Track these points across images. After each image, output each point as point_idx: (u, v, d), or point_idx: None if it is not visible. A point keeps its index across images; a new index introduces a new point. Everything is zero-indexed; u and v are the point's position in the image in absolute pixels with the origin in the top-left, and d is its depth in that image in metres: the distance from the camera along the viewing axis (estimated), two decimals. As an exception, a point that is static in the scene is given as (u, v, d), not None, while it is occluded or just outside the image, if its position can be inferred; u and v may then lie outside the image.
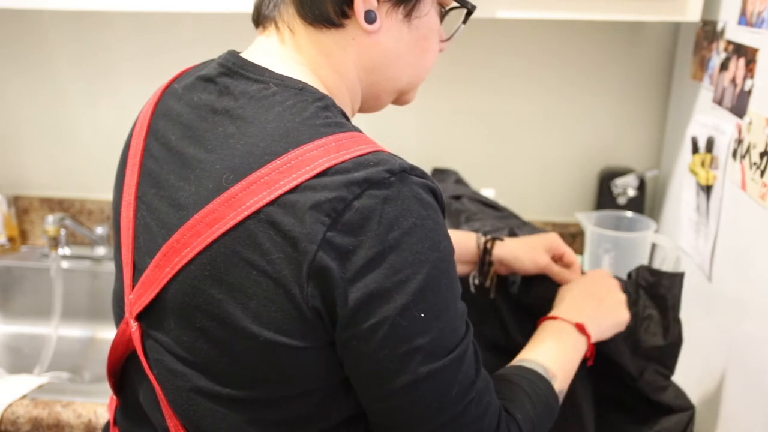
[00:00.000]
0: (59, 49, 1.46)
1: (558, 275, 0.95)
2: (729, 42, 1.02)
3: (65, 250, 1.54)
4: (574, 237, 1.46)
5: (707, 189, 1.06)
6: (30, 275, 1.54)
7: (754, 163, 0.90)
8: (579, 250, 1.41)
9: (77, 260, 1.53)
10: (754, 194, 0.90)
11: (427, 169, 1.43)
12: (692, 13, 1.10)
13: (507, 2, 1.11)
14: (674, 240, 1.22)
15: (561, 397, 0.74)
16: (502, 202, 1.31)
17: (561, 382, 0.75)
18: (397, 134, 1.47)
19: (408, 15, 0.65)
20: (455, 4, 0.71)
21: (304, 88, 0.62)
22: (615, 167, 1.41)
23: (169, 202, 0.62)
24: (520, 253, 0.96)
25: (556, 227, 1.45)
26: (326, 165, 0.56)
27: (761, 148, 0.88)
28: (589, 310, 0.85)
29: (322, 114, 0.60)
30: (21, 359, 1.50)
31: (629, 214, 1.31)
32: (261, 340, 0.57)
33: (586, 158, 1.45)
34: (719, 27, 1.06)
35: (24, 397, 1.06)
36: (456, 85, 1.43)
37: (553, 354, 0.77)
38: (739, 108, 0.96)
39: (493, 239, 0.98)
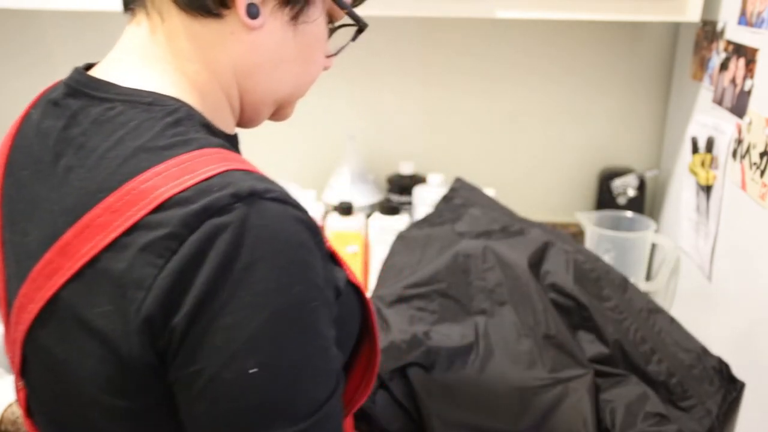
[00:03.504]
0: (59, 49, 1.46)
1: None
2: (729, 42, 1.02)
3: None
4: (574, 237, 1.46)
5: (707, 189, 1.06)
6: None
7: (754, 163, 0.90)
8: (579, 250, 1.41)
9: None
10: (754, 194, 0.90)
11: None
12: (692, 13, 1.09)
13: (506, 2, 1.11)
14: (674, 240, 1.22)
15: None
16: (502, 201, 1.31)
17: None
18: (396, 135, 1.47)
19: (295, 18, 0.59)
20: (347, 20, 0.64)
21: (154, 102, 0.54)
22: (615, 167, 1.41)
23: (22, 249, 0.55)
24: None
25: (556, 227, 1.45)
26: (166, 196, 0.48)
27: (761, 148, 0.88)
28: None
29: (169, 132, 0.52)
30: (21, 359, 1.49)
31: (629, 214, 1.31)
32: (105, 405, 0.51)
33: (586, 158, 1.45)
34: (719, 27, 1.06)
35: (24, 397, 1.06)
36: (455, 85, 1.43)
37: None
38: (738, 108, 0.96)
39: None
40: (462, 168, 1.45)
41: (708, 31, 1.12)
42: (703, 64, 1.14)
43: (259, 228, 0.48)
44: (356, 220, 1.34)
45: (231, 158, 0.52)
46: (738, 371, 0.94)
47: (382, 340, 1.02)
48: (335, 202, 1.37)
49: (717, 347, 1.01)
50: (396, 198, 1.42)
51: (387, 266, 1.23)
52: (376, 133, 1.47)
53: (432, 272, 1.12)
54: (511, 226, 1.20)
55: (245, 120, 0.65)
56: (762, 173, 0.87)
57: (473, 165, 1.46)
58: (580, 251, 1.12)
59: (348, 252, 1.33)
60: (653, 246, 1.28)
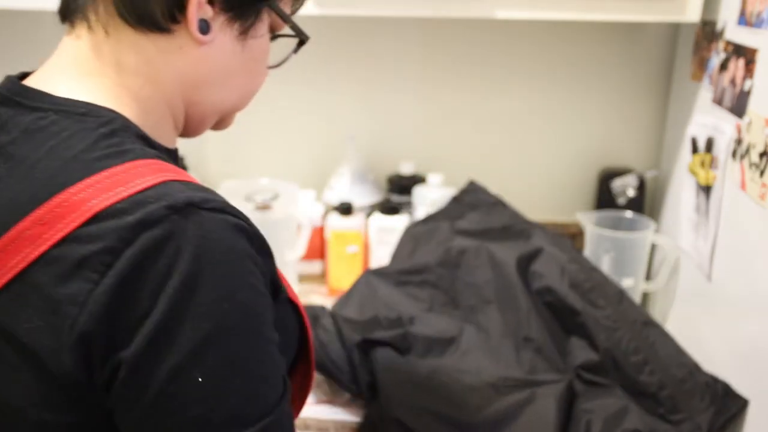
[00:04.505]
0: (59, 50, 1.46)
1: None
2: (728, 42, 1.02)
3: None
4: (574, 237, 1.46)
5: (707, 189, 1.06)
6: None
7: (754, 164, 0.90)
8: (579, 251, 1.41)
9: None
10: (753, 194, 0.90)
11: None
12: (692, 14, 1.10)
13: (506, 2, 1.11)
14: (674, 240, 1.22)
15: None
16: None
17: None
18: (396, 135, 1.47)
19: (244, 33, 0.59)
20: (287, 31, 0.65)
21: (88, 113, 0.53)
22: (615, 167, 1.41)
23: None
24: None
25: (556, 227, 1.45)
26: (97, 208, 0.47)
27: (761, 149, 0.88)
28: None
29: (103, 143, 0.51)
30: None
31: (629, 214, 1.31)
32: (35, 420, 0.50)
33: (586, 158, 1.45)
34: (719, 27, 1.06)
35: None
36: (455, 85, 1.43)
37: None
38: (738, 108, 0.96)
39: None
40: (462, 168, 1.45)
41: (708, 32, 1.12)
42: (702, 64, 1.14)
43: (198, 239, 0.48)
44: (356, 220, 1.34)
45: (167, 169, 0.51)
46: (737, 371, 0.94)
47: (367, 310, 1.04)
48: (335, 202, 1.37)
49: (716, 348, 1.01)
50: (396, 198, 1.42)
51: (391, 259, 1.24)
52: (376, 133, 1.47)
53: (424, 262, 1.14)
54: (512, 227, 1.20)
55: (190, 130, 0.65)
56: (761, 173, 0.87)
57: (473, 165, 1.46)
58: (576, 260, 1.11)
59: (348, 252, 1.33)
60: (653, 246, 1.28)
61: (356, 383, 0.97)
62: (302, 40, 0.65)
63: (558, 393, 0.92)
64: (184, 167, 1.40)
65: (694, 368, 0.97)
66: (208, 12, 0.56)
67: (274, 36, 0.65)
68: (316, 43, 1.43)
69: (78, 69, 0.57)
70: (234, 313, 0.49)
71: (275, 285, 0.56)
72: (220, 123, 0.68)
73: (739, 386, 0.94)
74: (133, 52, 0.56)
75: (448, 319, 1.05)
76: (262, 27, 0.61)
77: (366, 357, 0.98)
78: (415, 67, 1.42)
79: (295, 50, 0.68)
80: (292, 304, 0.62)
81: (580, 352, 0.99)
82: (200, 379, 0.47)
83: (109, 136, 0.52)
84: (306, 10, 1.13)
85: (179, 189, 0.49)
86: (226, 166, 1.48)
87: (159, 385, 0.47)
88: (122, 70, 0.56)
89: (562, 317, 1.03)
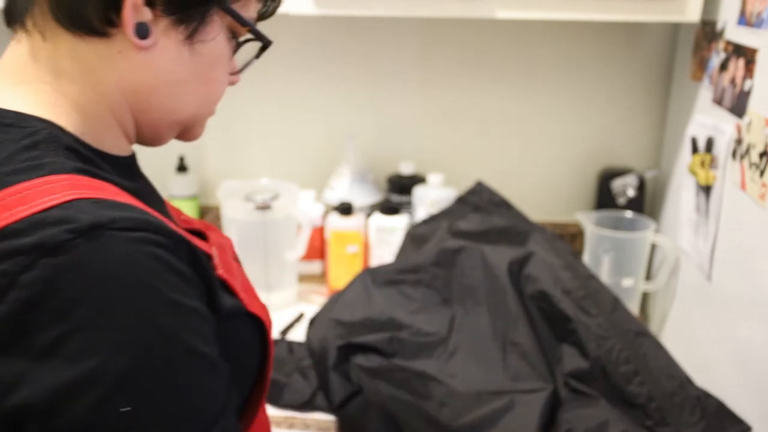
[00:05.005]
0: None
1: None
2: (728, 42, 1.02)
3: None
4: (574, 237, 1.46)
5: (707, 189, 1.06)
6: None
7: (754, 164, 0.90)
8: (579, 250, 1.41)
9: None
10: (753, 194, 0.90)
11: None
12: (692, 14, 1.10)
13: (506, 2, 1.11)
14: (674, 240, 1.22)
15: None
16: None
17: None
18: (396, 135, 1.47)
19: (190, 37, 0.56)
20: (249, 36, 0.61)
21: (14, 123, 0.51)
22: (615, 167, 1.41)
23: None
24: None
25: (556, 227, 1.45)
26: None
27: (760, 149, 0.88)
28: None
29: (22, 156, 0.49)
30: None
31: (629, 214, 1.31)
32: None
33: (586, 158, 1.45)
34: (719, 27, 1.06)
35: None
36: (455, 85, 1.43)
37: None
38: (738, 108, 0.96)
39: None
40: (462, 168, 1.45)
41: (707, 32, 1.12)
42: (702, 64, 1.14)
43: (107, 263, 0.44)
44: (356, 220, 1.34)
45: (81, 186, 0.48)
46: (736, 371, 0.94)
47: (358, 311, 1.06)
48: (335, 202, 1.37)
49: (716, 347, 1.01)
50: (396, 198, 1.42)
51: (395, 259, 1.25)
52: (376, 133, 1.47)
53: (419, 262, 1.14)
54: (511, 230, 1.20)
55: (147, 139, 0.63)
56: (761, 173, 0.87)
57: (473, 165, 1.47)
58: (571, 266, 1.10)
59: (348, 252, 1.33)
60: (653, 246, 1.28)
61: (328, 400, 1.00)
62: (265, 44, 0.62)
63: (540, 401, 0.91)
64: (184, 167, 1.41)
65: (685, 381, 0.96)
66: (147, 15, 0.53)
67: (240, 43, 0.63)
68: (316, 43, 1.43)
69: (16, 76, 0.55)
70: (157, 337, 0.46)
71: (213, 295, 0.53)
72: (187, 132, 0.64)
73: (737, 386, 0.94)
74: (71, 57, 0.54)
75: (438, 320, 1.05)
76: (213, 30, 0.58)
77: (346, 362, 0.99)
78: (415, 67, 1.43)
79: (257, 55, 0.64)
80: (253, 318, 0.60)
81: (571, 360, 0.98)
82: (125, 410, 0.44)
83: (29, 148, 0.49)
84: (306, 10, 1.14)
85: (85, 209, 0.46)
86: (226, 166, 1.48)
87: (86, 420, 0.43)
88: (60, 76, 0.54)
89: (554, 323, 1.03)
